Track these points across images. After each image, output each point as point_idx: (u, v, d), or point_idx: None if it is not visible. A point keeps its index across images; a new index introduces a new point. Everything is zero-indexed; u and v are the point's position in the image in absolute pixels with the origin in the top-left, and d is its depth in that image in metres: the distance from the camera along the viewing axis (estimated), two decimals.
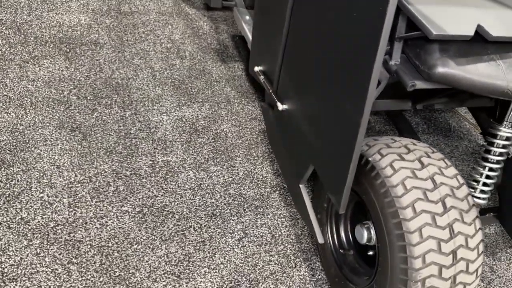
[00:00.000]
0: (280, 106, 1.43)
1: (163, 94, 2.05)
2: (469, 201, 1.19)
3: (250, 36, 1.94)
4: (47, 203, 1.55)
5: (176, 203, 1.64)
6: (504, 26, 1.01)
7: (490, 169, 1.36)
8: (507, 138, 1.31)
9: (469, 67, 1.05)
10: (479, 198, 1.39)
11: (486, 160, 1.37)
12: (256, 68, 1.64)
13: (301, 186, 1.38)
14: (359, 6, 0.98)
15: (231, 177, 1.78)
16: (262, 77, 1.59)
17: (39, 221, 1.49)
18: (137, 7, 2.50)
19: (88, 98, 1.95)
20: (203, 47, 2.35)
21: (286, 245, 1.59)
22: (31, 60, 2.05)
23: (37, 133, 1.76)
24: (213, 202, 1.67)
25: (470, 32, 0.98)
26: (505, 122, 1.30)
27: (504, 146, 1.33)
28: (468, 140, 2.23)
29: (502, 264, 1.73)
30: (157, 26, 2.40)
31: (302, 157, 1.34)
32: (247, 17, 2.04)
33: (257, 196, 1.73)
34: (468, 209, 1.18)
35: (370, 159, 1.22)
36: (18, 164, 1.64)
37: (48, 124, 1.80)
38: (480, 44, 1.04)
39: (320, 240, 1.34)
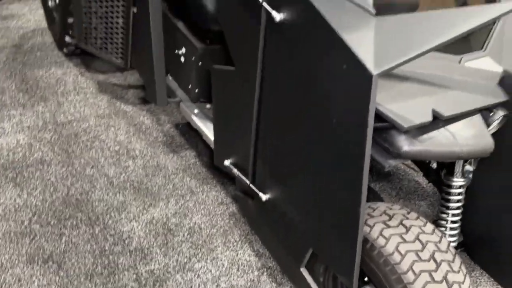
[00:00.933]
0: (264, 197, 1.51)
1: (126, 200, 2.04)
2: (452, 251, 1.35)
3: (204, 129, 2.02)
4: None
5: None
6: (450, 105, 1.22)
7: (453, 215, 1.57)
8: (461, 186, 1.53)
9: (429, 141, 1.23)
10: (450, 242, 1.58)
11: (448, 208, 1.57)
12: (226, 162, 1.72)
13: (302, 270, 1.46)
14: (339, 111, 1.12)
15: (218, 270, 1.80)
16: (235, 170, 1.67)
17: None
18: (73, 115, 2.47)
19: (52, 223, 1.87)
20: (150, 142, 2.38)
21: None
22: None
23: (8, 274, 1.65)
24: None
25: (429, 117, 1.17)
26: (455, 173, 1.52)
27: (459, 194, 1.55)
28: (407, 180, 2.46)
29: None
30: (100, 131, 2.39)
31: (299, 241, 1.42)
32: (196, 110, 2.12)
33: (248, 284, 1.76)
34: (453, 258, 1.33)
35: None
36: None
37: (17, 261, 1.70)
38: (432, 121, 1.23)
39: None
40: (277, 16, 1.23)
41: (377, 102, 1.16)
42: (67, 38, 2.75)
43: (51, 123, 2.39)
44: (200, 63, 2.02)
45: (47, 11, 3.02)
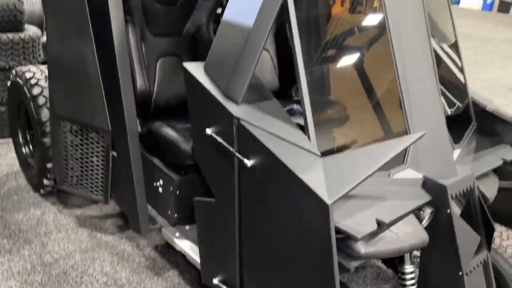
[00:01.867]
0: None
1: None
2: None
3: (188, 250, 2.26)
4: None
5: None
6: (389, 212, 1.58)
7: None
8: (412, 272, 1.86)
9: (379, 243, 1.57)
10: None
11: None
12: (215, 281, 1.96)
13: None
14: (307, 231, 1.45)
15: None
16: (224, 287, 1.91)
17: None
18: (58, 253, 2.63)
19: None
20: (134, 268, 2.57)
21: None
22: None
23: None
24: None
25: (374, 225, 1.52)
26: (406, 261, 1.86)
27: (412, 278, 1.87)
28: (370, 267, 2.77)
29: None
30: (86, 265, 2.56)
31: None
32: (177, 233, 2.38)
33: None
34: None
35: None
36: None
37: None
38: (378, 227, 1.58)
39: None
40: (248, 163, 1.59)
41: (335, 220, 1.50)
42: (46, 181, 2.97)
43: (39, 265, 2.54)
44: (177, 192, 2.32)
45: (21, 158, 3.25)
